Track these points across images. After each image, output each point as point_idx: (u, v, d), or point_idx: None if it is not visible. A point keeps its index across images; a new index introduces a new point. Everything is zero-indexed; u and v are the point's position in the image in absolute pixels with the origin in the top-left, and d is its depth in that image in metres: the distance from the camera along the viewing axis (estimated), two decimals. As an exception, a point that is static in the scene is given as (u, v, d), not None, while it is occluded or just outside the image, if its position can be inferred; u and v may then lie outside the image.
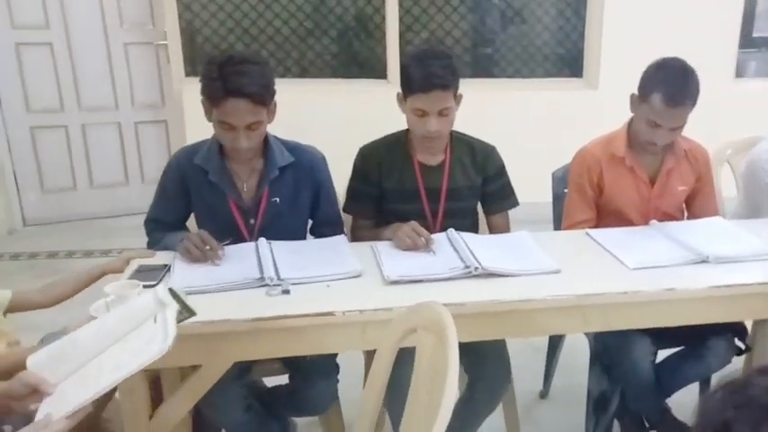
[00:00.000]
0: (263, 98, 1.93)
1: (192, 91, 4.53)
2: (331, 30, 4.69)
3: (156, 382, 1.88)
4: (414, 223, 2.04)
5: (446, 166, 2.21)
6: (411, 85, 2.06)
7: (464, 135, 2.27)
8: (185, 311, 1.49)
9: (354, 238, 2.26)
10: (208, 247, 1.93)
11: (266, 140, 2.09)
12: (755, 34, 4.86)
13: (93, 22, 4.48)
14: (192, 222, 2.20)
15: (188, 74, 4.57)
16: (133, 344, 1.34)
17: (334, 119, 4.31)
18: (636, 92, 2.17)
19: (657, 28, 4.11)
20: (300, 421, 2.41)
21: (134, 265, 1.97)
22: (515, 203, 2.32)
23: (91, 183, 4.79)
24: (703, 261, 1.94)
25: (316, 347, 1.79)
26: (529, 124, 4.49)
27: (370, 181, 2.23)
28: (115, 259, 2.02)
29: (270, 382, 2.26)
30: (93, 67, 4.56)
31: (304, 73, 4.72)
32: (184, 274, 1.88)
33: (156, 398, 1.82)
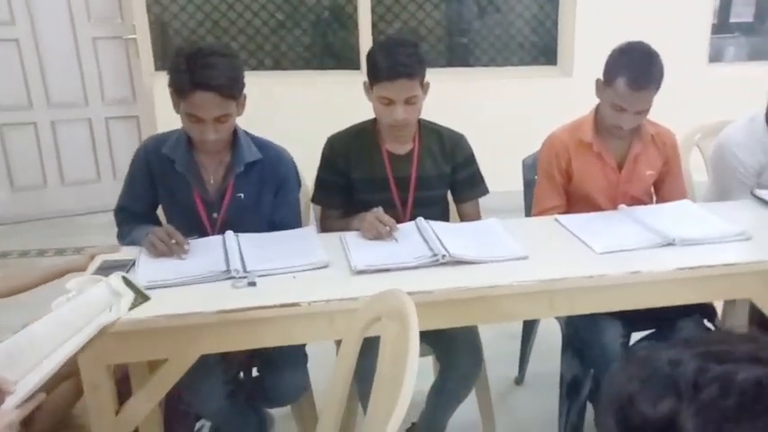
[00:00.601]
0: (232, 91, 1.91)
1: (162, 85, 4.45)
2: (303, 21, 4.66)
3: (124, 378, 1.87)
4: (377, 211, 2.03)
5: (415, 155, 2.20)
6: (377, 74, 2.05)
7: (432, 123, 2.26)
8: (139, 297, 1.48)
9: (323, 228, 2.25)
10: (174, 241, 1.91)
11: (235, 134, 2.07)
12: (732, 19, 4.89)
13: (59, 18, 4.41)
14: (162, 212, 2.19)
15: (158, 68, 4.51)
16: (87, 330, 1.38)
17: (308, 110, 4.29)
18: (601, 77, 2.18)
19: (631, 15, 4.12)
20: (276, 412, 2.40)
21: (98, 261, 1.94)
22: (485, 191, 2.31)
23: (62, 180, 4.73)
24: (669, 244, 1.95)
25: (283, 339, 1.79)
26: (504, 112, 4.49)
27: (338, 170, 2.22)
28: (79, 257, 2.00)
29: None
30: (61, 63, 4.49)
31: (277, 65, 4.69)
32: (149, 269, 1.86)
33: (125, 393, 1.80)
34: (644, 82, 2.06)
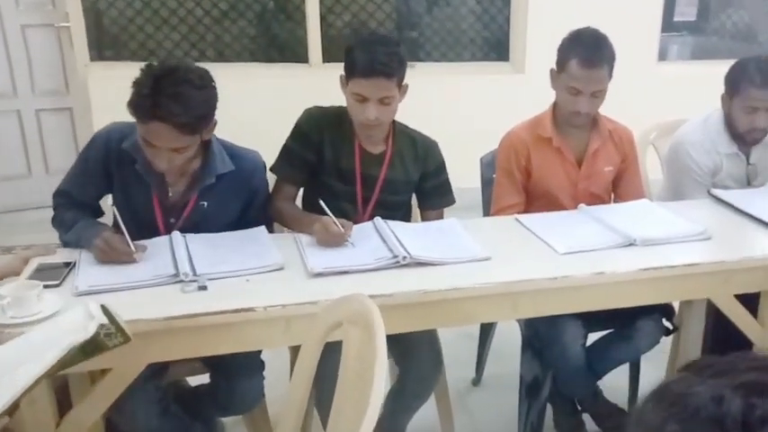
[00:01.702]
0: (194, 129, 1.76)
1: (98, 76, 4.34)
2: (248, 11, 4.51)
3: (63, 389, 1.76)
4: (326, 220, 1.92)
5: (387, 157, 2.13)
6: (353, 69, 1.96)
7: (406, 127, 2.20)
8: (119, 335, 1.38)
9: (273, 207, 2.12)
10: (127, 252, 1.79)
11: (208, 143, 1.93)
12: (677, 18, 4.98)
13: (-16, 4, 4.16)
14: (105, 201, 2.03)
15: (93, 58, 4.30)
16: (52, 354, 1.28)
17: (255, 104, 4.17)
18: (554, 67, 2.19)
19: (582, 12, 4.12)
20: (227, 420, 2.31)
21: (33, 263, 1.82)
22: (452, 201, 2.26)
23: (-11, 175, 4.47)
24: (631, 244, 1.94)
25: (236, 345, 1.72)
26: (456, 109, 4.46)
27: (311, 144, 2.10)
28: (11, 259, 1.84)
29: (195, 380, 2.15)
30: (-13, 52, 4.23)
31: (220, 57, 4.53)
32: (91, 273, 1.76)
33: (65, 405, 1.69)
34: (596, 60, 2.09)
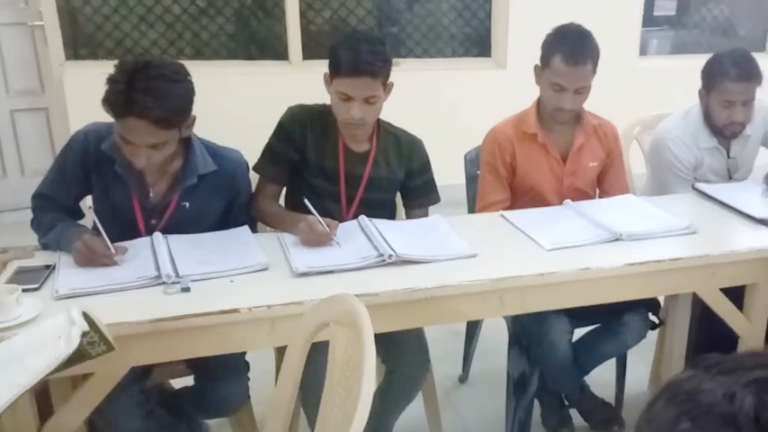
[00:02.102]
0: (171, 123, 1.74)
1: (73, 76, 4.26)
2: (226, 8, 4.46)
3: (44, 394, 1.72)
4: (311, 219, 1.90)
5: (371, 156, 2.11)
6: (338, 67, 1.94)
7: (391, 125, 2.18)
8: (102, 344, 1.36)
9: (257, 207, 2.09)
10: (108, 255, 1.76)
11: (189, 143, 1.90)
12: (656, 13, 5.01)
13: (-45, 1, 4.07)
14: (84, 203, 2.00)
15: (68, 57, 4.22)
16: (34, 362, 1.26)
17: (234, 102, 4.12)
18: (539, 63, 2.18)
19: (564, 7, 4.14)
20: (212, 422, 2.28)
21: (12, 267, 1.78)
22: (437, 200, 2.25)
23: (-37, 177, 4.39)
24: (617, 239, 1.94)
25: (221, 347, 1.69)
26: (438, 105, 4.44)
27: (294, 143, 2.08)
28: None
29: (179, 382, 2.12)
30: (-42, 51, 4.14)
31: (198, 55, 4.48)
32: (71, 275, 1.72)
33: (46, 411, 1.66)
34: (579, 56, 2.09)
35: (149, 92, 1.68)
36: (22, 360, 1.24)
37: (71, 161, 1.91)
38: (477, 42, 4.80)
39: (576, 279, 1.81)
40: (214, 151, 1.97)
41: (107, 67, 1.76)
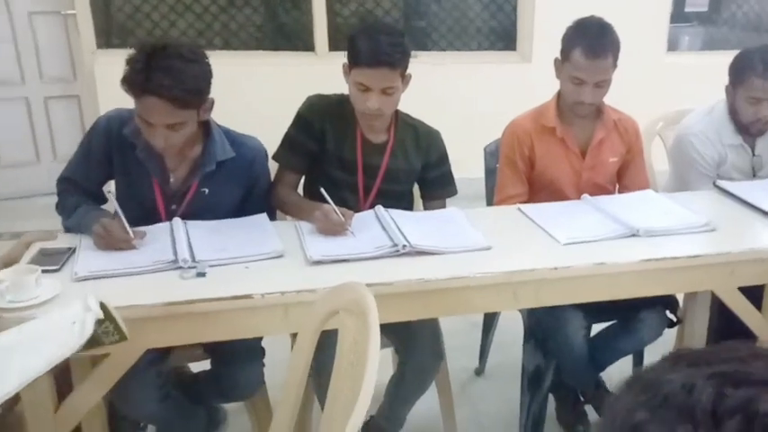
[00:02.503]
0: (188, 102, 1.76)
1: (104, 64, 4.33)
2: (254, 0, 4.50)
3: (65, 373, 1.76)
4: (327, 208, 1.91)
5: (389, 147, 2.12)
6: (356, 58, 1.95)
7: (409, 117, 2.18)
8: (116, 334, 1.39)
9: (275, 195, 2.11)
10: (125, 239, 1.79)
11: (209, 129, 1.94)
12: (688, 8, 4.92)
13: (-10, -9, 4.15)
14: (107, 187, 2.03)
15: (100, 46, 4.29)
16: (47, 347, 1.29)
17: (261, 92, 4.16)
18: (559, 56, 2.17)
19: (590, 1, 4.09)
20: (229, 406, 2.32)
21: (35, 248, 1.82)
22: (454, 192, 2.25)
23: (-2, 162, 4.49)
24: (634, 235, 1.92)
25: (234, 332, 1.71)
26: (463, 98, 4.43)
27: (313, 133, 2.09)
28: (14, 246, 1.84)
29: (197, 366, 2.15)
30: (-6, 39, 4.23)
31: (227, 45, 4.52)
32: (91, 258, 1.76)
33: (66, 389, 1.70)
34: (600, 50, 2.07)
35: (166, 71, 1.71)
36: (37, 346, 1.27)
37: (94, 146, 1.95)
38: (503, 36, 4.77)
39: (591, 274, 1.80)
40: (233, 138, 1.99)
41: (136, 57, 1.79)
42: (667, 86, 4.30)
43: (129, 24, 4.38)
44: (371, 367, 1.19)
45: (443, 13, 4.71)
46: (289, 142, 2.13)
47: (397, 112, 2.12)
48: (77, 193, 1.96)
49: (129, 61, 1.75)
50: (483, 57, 4.71)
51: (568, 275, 1.78)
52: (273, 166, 2.15)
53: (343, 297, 1.42)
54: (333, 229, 1.89)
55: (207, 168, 1.93)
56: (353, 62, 1.97)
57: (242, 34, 4.54)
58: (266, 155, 2.08)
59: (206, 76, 1.83)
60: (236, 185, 2.01)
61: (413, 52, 2.05)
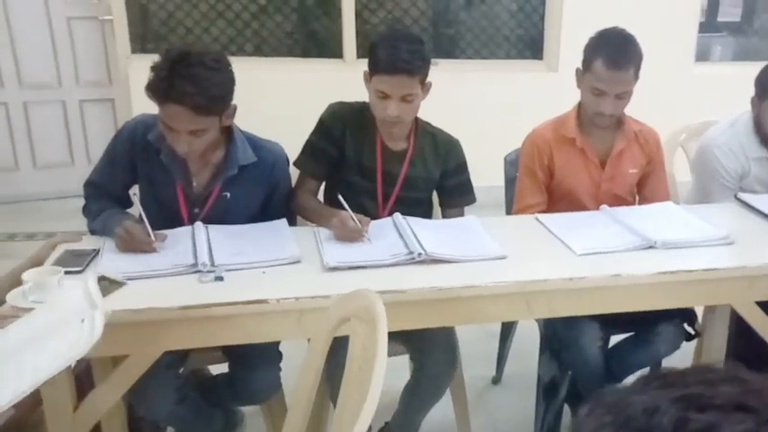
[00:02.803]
0: (210, 110, 1.80)
1: (139, 69, 4.39)
2: (285, 7, 4.56)
3: (87, 372, 1.81)
4: (344, 215, 1.93)
5: (408, 155, 2.14)
6: (376, 65, 1.98)
7: (429, 125, 2.20)
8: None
9: (296, 201, 2.14)
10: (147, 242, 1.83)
11: (231, 135, 1.97)
12: (720, 18, 4.86)
13: (32, -3, 4.28)
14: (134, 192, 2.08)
15: (135, 51, 4.39)
16: (56, 345, 1.29)
17: (290, 98, 4.20)
18: (580, 66, 2.16)
19: (618, 11, 4.07)
20: (246, 409, 2.34)
21: (60, 249, 1.87)
22: (472, 200, 2.26)
23: (34, 163, 4.60)
24: (651, 246, 1.91)
25: (249, 336, 1.73)
26: (490, 106, 4.43)
27: (333, 139, 2.12)
28: (41, 247, 1.90)
29: (216, 369, 2.18)
30: (34, 43, 4.35)
31: (258, 51, 4.58)
32: (114, 260, 1.79)
33: (87, 389, 1.73)
34: (622, 61, 2.06)
35: (189, 79, 1.74)
36: (48, 344, 1.27)
37: (119, 150, 2.00)
38: (530, 45, 4.76)
39: (606, 285, 1.79)
40: (255, 143, 2.02)
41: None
42: (696, 97, 4.25)
43: (163, 30, 4.48)
44: (378, 374, 1.20)
45: (471, 22, 4.71)
46: (310, 149, 2.16)
47: (416, 119, 2.14)
48: (103, 197, 2.01)
49: (154, 68, 1.79)
50: (509, 65, 4.71)
51: (583, 286, 1.77)
52: (295, 172, 2.19)
53: (354, 304, 1.44)
54: (350, 236, 1.92)
55: (229, 173, 1.97)
56: (373, 69, 2.00)
57: (272, 41, 4.60)
58: (287, 160, 2.11)
59: (228, 83, 1.86)
60: (258, 190, 2.05)
61: (433, 60, 2.07)
